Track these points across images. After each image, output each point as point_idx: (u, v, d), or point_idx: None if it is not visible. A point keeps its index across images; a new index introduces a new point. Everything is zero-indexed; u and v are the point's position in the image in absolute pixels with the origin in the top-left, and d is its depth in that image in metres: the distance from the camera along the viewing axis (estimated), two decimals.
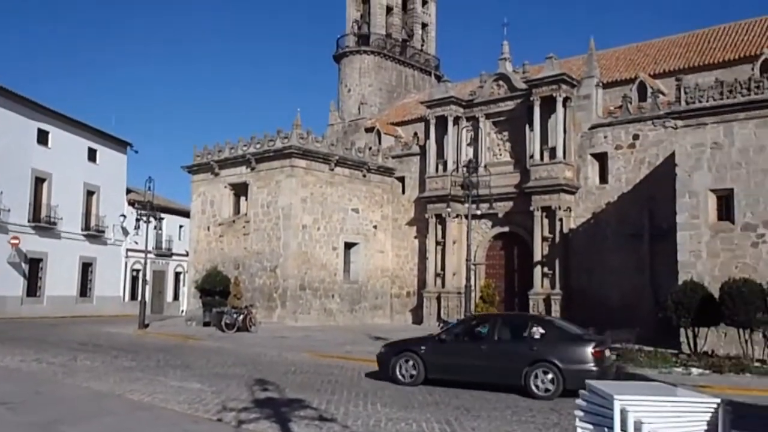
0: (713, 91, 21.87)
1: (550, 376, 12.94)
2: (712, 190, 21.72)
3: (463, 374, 14.12)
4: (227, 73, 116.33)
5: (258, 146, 33.89)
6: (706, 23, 39.58)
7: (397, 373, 14.53)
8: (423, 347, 14.69)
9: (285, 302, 31.74)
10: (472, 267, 28.49)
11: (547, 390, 12.89)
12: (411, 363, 14.46)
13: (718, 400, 5.78)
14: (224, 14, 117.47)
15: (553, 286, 29.67)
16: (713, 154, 21.66)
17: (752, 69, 27.70)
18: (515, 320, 16.29)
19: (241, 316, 28.02)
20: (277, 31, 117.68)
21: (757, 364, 17.00)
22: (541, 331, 13.92)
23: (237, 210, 35.65)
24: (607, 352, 14.07)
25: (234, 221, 34.97)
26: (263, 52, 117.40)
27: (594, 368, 12.72)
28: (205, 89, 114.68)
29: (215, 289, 31.69)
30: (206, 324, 30.52)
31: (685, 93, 22.43)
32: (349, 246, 35.22)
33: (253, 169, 33.98)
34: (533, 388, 13.01)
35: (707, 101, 21.87)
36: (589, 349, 13.08)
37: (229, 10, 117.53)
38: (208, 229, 36.05)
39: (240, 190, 35.25)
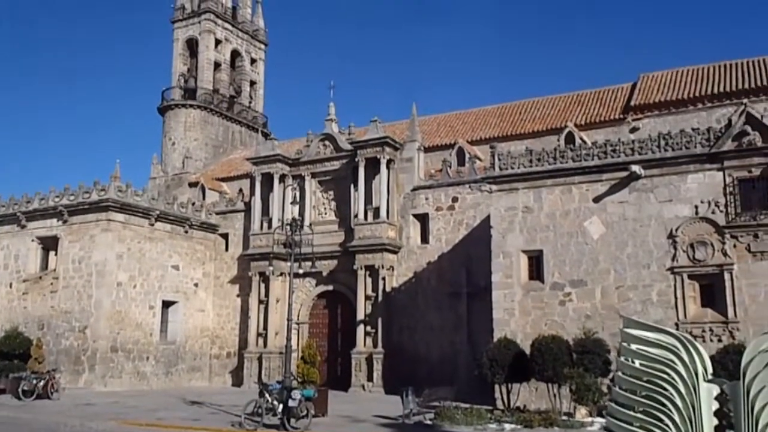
0: (524, 158, 23.34)
1: None
2: (524, 251, 22.96)
3: None
4: (41, 118, 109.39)
5: (72, 198, 31.80)
6: (518, 96, 42.44)
7: None
8: None
9: (94, 365, 29.57)
10: (295, 326, 28.10)
11: None
12: None
13: None
14: (43, 56, 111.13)
15: (375, 345, 29.80)
16: (525, 217, 22.97)
17: (558, 140, 29.81)
18: None
19: (42, 382, 25.64)
20: (98, 78, 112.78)
21: (564, 417, 17.78)
22: None
23: (45, 265, 32.99)
24: None
25: (41, 277, 32.35)
26: (82, 98, 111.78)
27: None
28: (14, 135, 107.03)
29: (14, 352, 28.91)
30: (1, 392, 27.74)
31: (499, 159, 23.78)
32: (167, 305, 33.57)
33: (65, 222, 31.80)
34: None
35: (518, 168, 23.28)
36: None
37: (50, 51, 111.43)
38: (11, 285, 33.09)
39: (49, 244, 32.77)
